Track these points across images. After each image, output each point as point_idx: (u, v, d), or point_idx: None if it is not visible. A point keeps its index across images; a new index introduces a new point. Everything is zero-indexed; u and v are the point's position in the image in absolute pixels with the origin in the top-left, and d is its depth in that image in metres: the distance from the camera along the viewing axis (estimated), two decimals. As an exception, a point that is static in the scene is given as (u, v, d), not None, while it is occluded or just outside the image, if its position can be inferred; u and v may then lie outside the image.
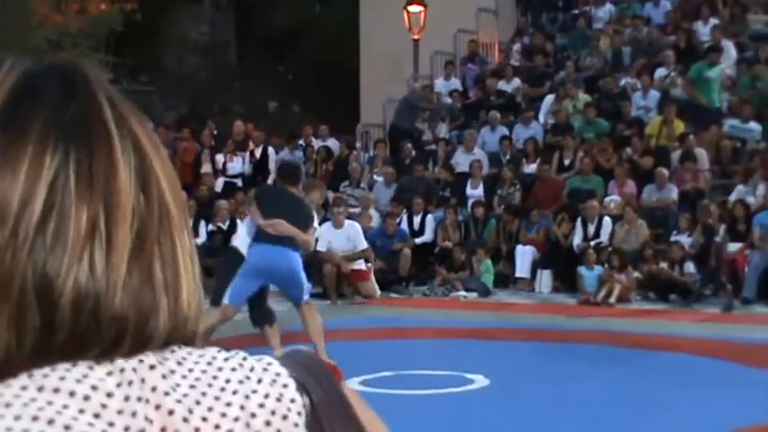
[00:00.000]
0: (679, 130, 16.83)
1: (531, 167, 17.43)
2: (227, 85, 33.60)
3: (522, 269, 15.59)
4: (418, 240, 16.11)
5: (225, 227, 16.12)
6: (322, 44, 31.84)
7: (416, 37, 22.26)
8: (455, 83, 21.22)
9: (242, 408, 0.84)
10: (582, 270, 14.38)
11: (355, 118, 24.20)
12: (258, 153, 18.92)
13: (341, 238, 14.45)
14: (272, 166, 18.86)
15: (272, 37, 32.61)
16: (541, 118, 18.97)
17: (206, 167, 18.75)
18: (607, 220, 15.27)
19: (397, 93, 21.21)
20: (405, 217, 16.43)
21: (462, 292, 14.95)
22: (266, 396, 0.86)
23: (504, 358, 9.73)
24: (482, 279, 15.15)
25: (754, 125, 16.72)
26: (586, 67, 20.17)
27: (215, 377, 0.85)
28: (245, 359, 0.88)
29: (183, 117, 25.35)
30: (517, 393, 8.00)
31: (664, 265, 14.12)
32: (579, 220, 15.40)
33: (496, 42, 23.19)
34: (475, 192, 17.18)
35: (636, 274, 14.13)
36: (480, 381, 8.28)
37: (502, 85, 20.39)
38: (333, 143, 20.15)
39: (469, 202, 16.92)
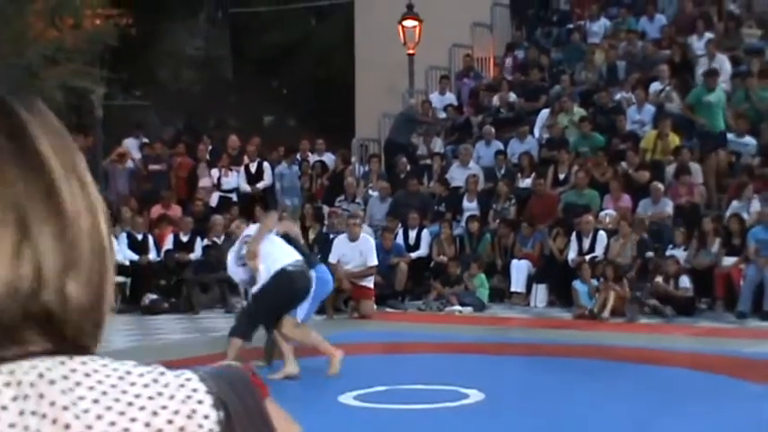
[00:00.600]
0: (674, 144, 16.84)
1: (526, 182, 17.42)
2: (222, 99, 33.60)
3: (517, 284, 15.58)
4: (414, 255, 16.09)
5: (220, 242, 16.10)
6: (317, 59, 31.88)
7: (411, 52, 22.28)
8: (450, 97, 21.23)
9: (147, 425, 0.84)
10: (577, 284, 14.37)
11: (350, 132, 24.20)
12: (254, 168, 18.90)
13: (354, 251, 14.42)
14: (267, 180, 18.87)
15: (267, 52, 32.65)
16: (536, 132, 18.98)
17: (204, 182, 18.74)
18: (602, 234, 15.26)
19: (392, 107, 21.23)
20: (400, 231, 16.42)
21: (457, 307, 14.93)
22: (176, 413, 0.85)
23: (500, 373, 9.71)
24: (477, 294, 15.14)
25: (749, 139, 16.74)
26: (581, 81, 20.19)
27: (124, 392, 0.85)
28: (162, 374, 0.87)
29: (178, 132, 25.32)
30: (512, 408, 7.98)
31: (659, 279, 14.12)
32: (574, 234, 15.39)
33: (491, 57, 23.22)
34: (470, 206, 17.18)
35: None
36: (475, 395, 8.25)
37: (497, 99, 20.41)
38: (328, 157, 20.16)
39: (464, 217, 16.91)
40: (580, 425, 7.35)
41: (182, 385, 0.87)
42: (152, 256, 16.01)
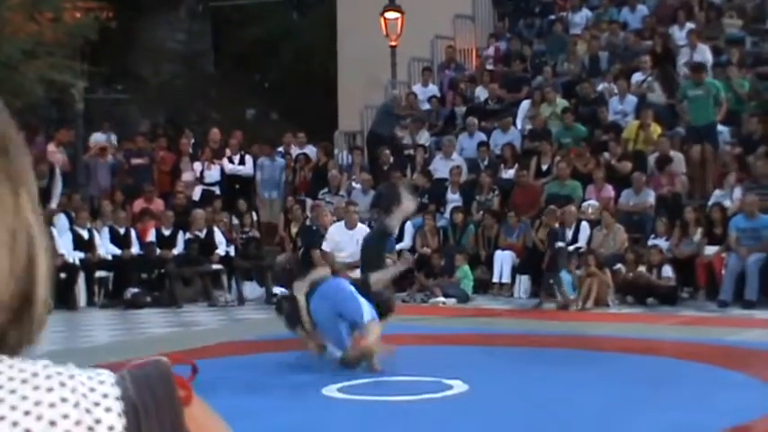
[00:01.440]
0: (656, 134, 16.87)
1: (509, 173, 17.43)
2: (204, 93, 33.49)
3: (500, 275, 15.59)
4: (397, 246, 16.07)
5: (202, 235, 16.06)
6: (299, 52, 31.81)
7: (394, 43, 22.25)
8: (433, 89, 21.22)
9: None
10: (562, 274, 14.32)
11: (334, 125, 24.17)
12: (237, 160, 18.86)
13: (351, 240, 14.31)
14: (249, 171, 18.82)
15: (249, 45, 32.56)
16: (519, 124, 18.99)
17: (186, 176, 18.68)
18: (585, 224, 15.29)
19: (375, 99, 21.22)
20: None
21: (441, 299, 14.93)
22: (77, 423, 0.79)
23: (483, 364, 9.70)
24: (461, 285, 15.13)
25: (721, 128, 16.68)
26: (563, 72, 20.20)
27: (24, 398, 0.79)
28: (71, 377, 0.82)
29: (160, 125, 25.25)
30: (496, 399, 7.98)
31: (642, 268, 14.15)
32: (557, 225, 15.40)
33: (474, 48, 23.22)
34: (453, 198, 17.18)
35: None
36: (459, 386, 8.25)
37: (479, 90, 20.41)
38: (310, 150, 20.12)
39: (448, 209, 16.90)
40: (564, 415, 7.35)
41: (92, 389, 0.81)
42: (134, 250, 15.96)
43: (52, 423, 0.78)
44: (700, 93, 16.40)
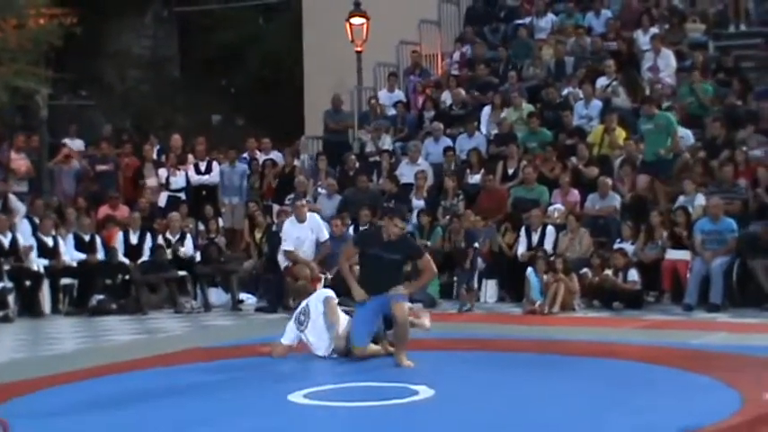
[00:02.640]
0: (621, 138, 16.96)
1: (475, 178, 17.46)
2: (170, 99, 33.35)
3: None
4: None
5: (174, 240, 16.05)
6: (265, 58, 31.77)
7: (359, 49, 22.28)
8: (399, 94, 21.25)
9: None
10: (531, 275, 14.30)
11: (300, 130, 24.14)
12: (203, 167, 18.78)
13: (305, 231, 14.45)
14: (215, 178, 18.74)
15: (215, 51, 32.47)
16: (484, 128, 19.03)
17: (151, 181, 18.59)
18: (551, 228, 15.34)
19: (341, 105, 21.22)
20: (351, 229, 16.38)
21: (408, 304, 14.87)
22: None
23: (449, 369, 9.70)
24: (428, 290, 15.11)
25: (682, 131, 16.67)
26: (529, 76, 20.27)
27: None
28: None
29: (124, 131, 25.11)
30: (462, 403, 7.96)
31: (608, 272, 14.21)
32: (523, 229, 15.44)
33: (439, 53, 23.26)
34: (419, 203, 17.19)
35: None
36: (425, 391, 8.24)
37: (445, 96, 20.44)
38: (276, 155, 20.08)
39: (414, 214, 16.89)
40: (531, 420, 7.36)
41: None
42: (100, 256, 15.85)
43: None
44: (650, 127, 15.91)
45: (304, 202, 15.15)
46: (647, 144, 16.10)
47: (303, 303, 10.24)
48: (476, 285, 15.29)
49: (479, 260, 15.35)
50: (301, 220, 14.50)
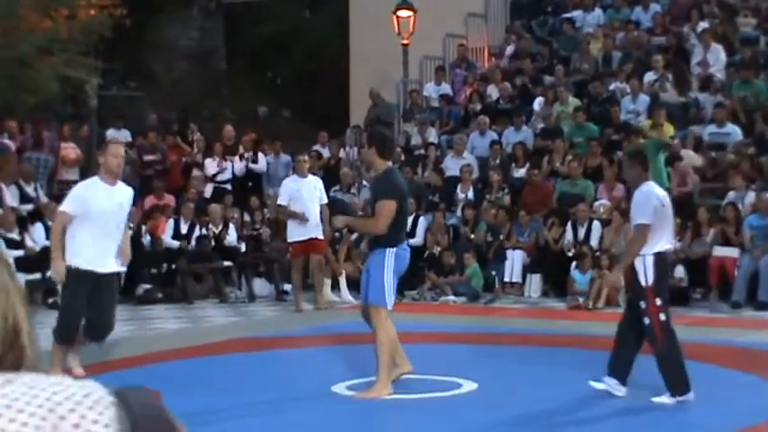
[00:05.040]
0: (669, 134, 16.81)
1: (520, 172, 17.40)
2: (216, 90, 33.52)
3: (511, 274, 15.57)
4: (410, 242, 16.03)
5: (217, 231, 16.15)
6: (311, 50, 31.81)
7: (406, 42, 22.25)
8: (445, 87, 21.21)
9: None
10: (575, 274, 14.28)
11: (345, 123, 24.17)
12: (250, 158, 18.86)
13: (308, 186, 14.05)
14: (263, 170, 18.82)
15: (261, 43, 32.57)
16: (531, 122, 18.96)
17: (197, 173, 18.71)
18: (596, 224, 15.26)
19: (386, 97, 21.24)
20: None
21: (452, 297, 14.92)
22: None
23: (493, 363, 9.70)
24: (471, 283, 15.12)
25: (731, 127, 16.53)
26: (576, 71, 20.16)
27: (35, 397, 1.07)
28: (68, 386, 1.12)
29: (172, 122, 25.24)
30: (505, 398, 7.96)
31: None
32: (569, 224, 15.38)
33: (486, 47, 23.19)
34: (464, 196, 17.16)
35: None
36: (468, 385, 8.24)
37: (491, 89, 20.39)
38: (320, 147, 20.09)
39: (459, 207, 16.87)
40: (572, 415, 7.34)
41: (86, 395, 1.04)
42: (146, 245, 15.95)
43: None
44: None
45: (306, 157, 14.97)
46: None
47: None
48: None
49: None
50: (302, 175, 14.31)
